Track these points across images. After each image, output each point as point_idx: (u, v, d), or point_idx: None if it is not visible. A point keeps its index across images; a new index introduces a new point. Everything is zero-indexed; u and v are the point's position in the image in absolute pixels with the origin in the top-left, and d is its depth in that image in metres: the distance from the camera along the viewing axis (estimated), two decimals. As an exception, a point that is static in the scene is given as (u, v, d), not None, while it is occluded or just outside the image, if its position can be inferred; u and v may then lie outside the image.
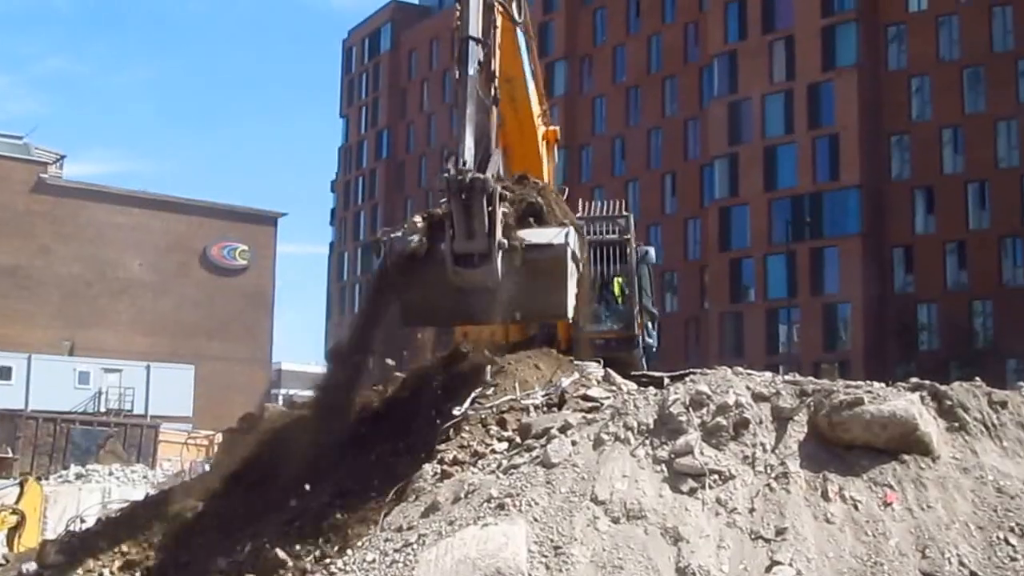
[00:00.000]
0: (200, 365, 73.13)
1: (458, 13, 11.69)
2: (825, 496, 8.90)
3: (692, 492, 9.02)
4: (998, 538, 8.56)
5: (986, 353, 61.36)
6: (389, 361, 15.16)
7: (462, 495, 9.17)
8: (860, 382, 10.21)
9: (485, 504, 8.88)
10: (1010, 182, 64.58)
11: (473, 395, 11.63)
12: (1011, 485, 9.02)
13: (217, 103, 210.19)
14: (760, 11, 71.94)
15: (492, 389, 11.86)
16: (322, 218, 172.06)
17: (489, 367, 12.42)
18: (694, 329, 74.56)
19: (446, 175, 10.51)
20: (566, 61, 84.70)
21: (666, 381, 11.40)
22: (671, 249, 74.15)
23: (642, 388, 11.30)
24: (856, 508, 8.81)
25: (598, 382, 12.48)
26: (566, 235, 11.06)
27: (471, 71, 11.26)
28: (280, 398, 65.39)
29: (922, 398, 9.74)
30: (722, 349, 67.70)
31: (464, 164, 10.61)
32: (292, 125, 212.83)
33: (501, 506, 8.81)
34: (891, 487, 8.95)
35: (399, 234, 11.04)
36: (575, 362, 13.33)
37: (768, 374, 10.55)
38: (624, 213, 17.74)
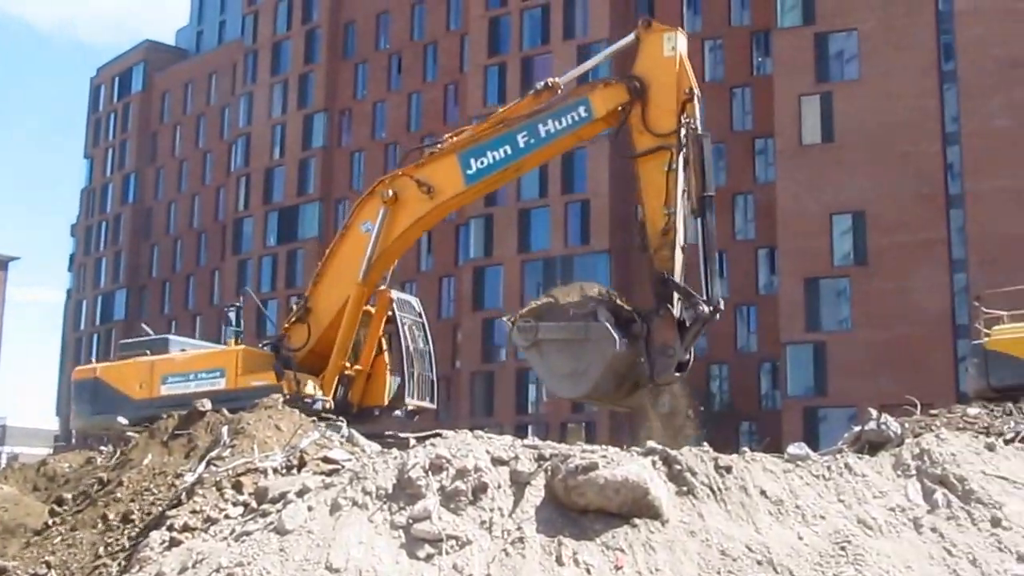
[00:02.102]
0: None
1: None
2: (559, 561, 9.00)
3: (429, 558, 8.97)
4: (721, 600, 8.86)
5: (722, 415, 64.22)
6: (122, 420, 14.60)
7: (190, 565, 8.82)
8: (597, 447, 10.42)
9: (213, 574, 8.57)
10: (746, 254, 68.12)
11: (208, 456, 11.26)
12: (734, 547, 9.37)
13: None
14: (519, 75, 73.73)
15: (229, 450, 11.52)
16: (60, 263, 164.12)
17: (226, 427, 12.07)
18: (445, 388, 74.95)
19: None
20: (326, 113, 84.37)
21: (412, 442, 11.37)
22: (425, 307, 74.45)
23: (386, 450, 11.20)
24: (588, 572, 8.95)
25: (340, 443, 12.31)
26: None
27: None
28: (4, 457, 61.57)
29: (654, 463, 10.03)
30: (473, 409, 68.29)
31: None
32: (29, 163, 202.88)
33: (231, 576, 8.53)
34: (622, 551, 9.14)
35: None
36: (316, 422, 13.13)
37: (508, 438, 10.64)
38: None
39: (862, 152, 54.61)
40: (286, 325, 17.23)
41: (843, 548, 9.67)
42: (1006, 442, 13.29)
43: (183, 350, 18.38)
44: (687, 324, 14.72)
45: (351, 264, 16.28)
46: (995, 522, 10.61)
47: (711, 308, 14.63)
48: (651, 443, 10.61)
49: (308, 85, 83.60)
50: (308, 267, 78.79)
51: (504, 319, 16.05)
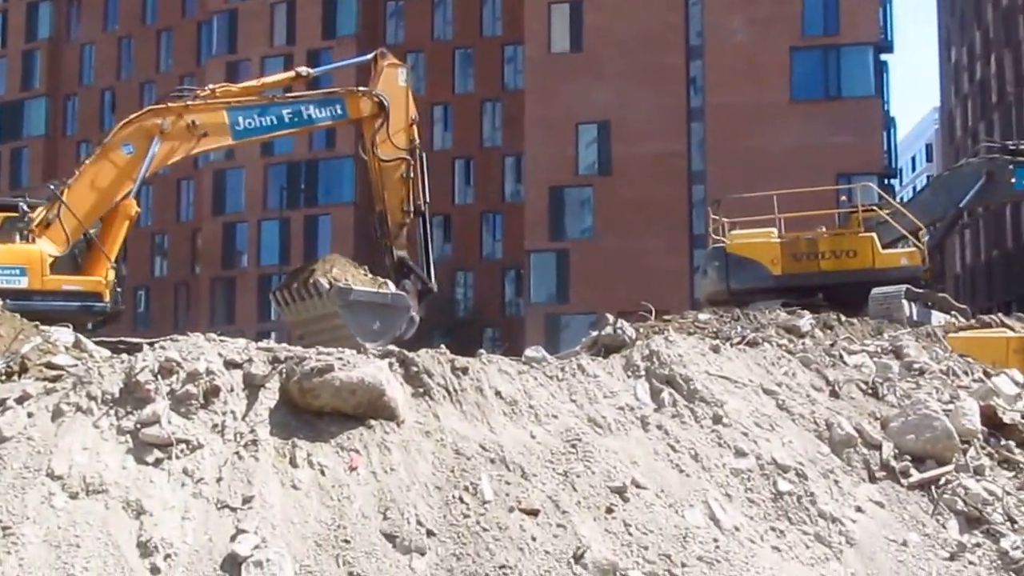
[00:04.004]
0: None
1: None
2: (293, 463, 8.90)
3: (158, 463, 8.70)
4: (454, 497, 8.97)
5: (466, 321, 65.21)
6: None
7: None
8: (333, 349, 10.33)
9: (-82, 484, 8.06)
10: (493, 161, 68.84)
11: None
12: (468, 447, 9.49)
13: None
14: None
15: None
16: None
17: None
18: (184, 295, 72.98)
19: None
20: (52, 2, 79.37)
21: (146, 348, 10.97)
22: (162, 211, 72.00)
23: (116, 356, 10.77)
24: (323, 474, 8.89)
25: (66, 348, 11.77)
26: None
27: None
28: None
29: (390, 364, 10.02)
30: (213, 316, 66.84)
31: None
32: None
33: (-63, 486, 8.03)
34: (357, 452, 9.12)
35: None
36: (41, 327, 12.48)
37: (242, 341, 10.41)
38: None
39: (609, 63, 55.70)
40: (33, 227, 17.32)
41: (574, 446, 9.96)
42: (732, 345, 13.94)
43: None
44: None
45: (110, 179, 17.48)
46: (716, 419, 11.15)
47: (431, 286, 19.59)
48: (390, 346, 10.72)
49: (31, -28, 78.63)
50: (34, 168, 74.61)
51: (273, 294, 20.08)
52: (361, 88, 19.42)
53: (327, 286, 17.81)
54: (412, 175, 19.36)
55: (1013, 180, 27.64)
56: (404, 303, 18.46)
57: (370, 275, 18.76)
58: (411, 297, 19.13)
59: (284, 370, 9.55)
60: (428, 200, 19.79)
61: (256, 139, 19.60)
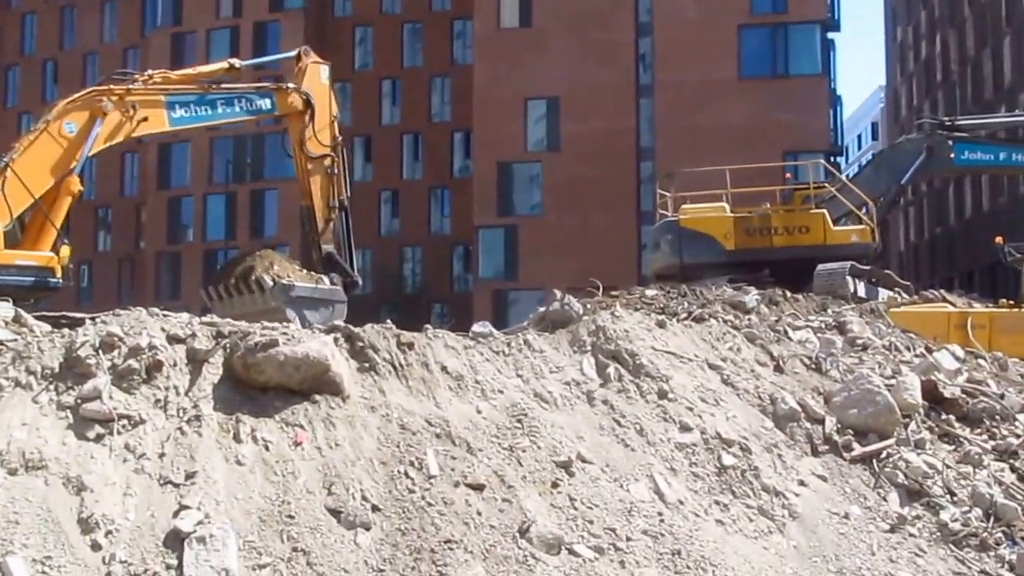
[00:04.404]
0: None
1: None
2: (237, 438, 8.84)
3: (99, 439, 8.60)
4: (399, 472, 8.95)
5: (414, 297, 65.09)
6: None
7: None
8: (277, 324, 10.25)
9: None
10: (441, 136, 68.57)
11: None
12: (414, 422, 9.47)
13: None
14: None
15: None
16: None
17: None
18: (128, 269, 72.18)
19: None
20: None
21: (87, 322, 10.82)
22: (106, 185, 71.05)
23: (57, 330, 10.61)
24: (267, 449, 8.84)
25: (6, 323, 11.58)
26: None
27: None
28: None
29: (336, 340, 9.97)
30: (158, 291, 66.17)
31: None
32: None
33: None
34: (302, 427, 9.07)
35: None
36: (-20, 301, 12.32)
37: (185, 315, 10.30)
38: None
39: (559, 39, 55.57)
40: None
41: (520, 421, 9.97)
42: (678, 321, 14.00)
43: None
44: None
45: (52, 157, 17.62)
46: (662, 394, 11.20)
47: (356, 279, 20.24)
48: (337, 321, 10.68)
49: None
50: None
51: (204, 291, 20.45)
52: (290, 84, 20.12)
53: (271, 283, 18.51)
54: (336, 171, 20.31)
55: (952, 155, 28.06)
56: (340, 296, 19.26)
57: (304, 270, 19.63)
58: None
59: (228, 345, 9.46)
60: (350, 195, 20.71)
61: (191, 126, 20.27)
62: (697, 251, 26.53)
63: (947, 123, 29.20)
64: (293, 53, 20.96)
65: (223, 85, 19.97)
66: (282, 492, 8.52)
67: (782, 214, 27.14)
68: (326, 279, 19.58)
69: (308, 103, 19.92)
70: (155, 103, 18.74)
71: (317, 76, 20.37)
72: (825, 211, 26.75)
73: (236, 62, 20.72)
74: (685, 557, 9.03)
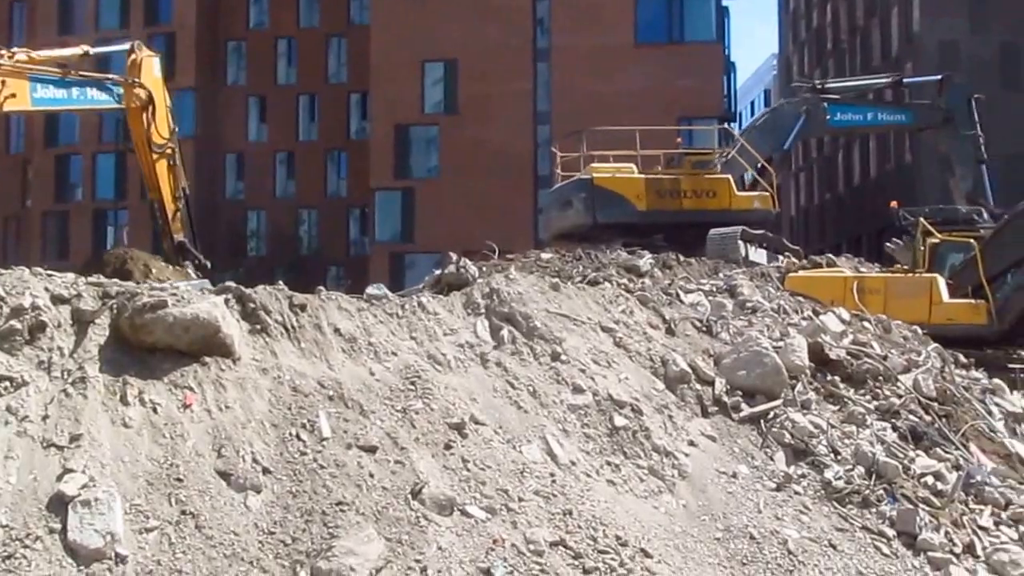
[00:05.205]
0: None
1: None
2: (124, 400, 8.66)
3: (-19, 402, 8.37)
4: (291, 434, 8.88)
5: (310, 259, 64.52)
6: None
7: None
8: (166, 284, 10.07)
9: None
10: (338, 97, 67.80)
11: None
12: (306, 384, 9.39)
13: None
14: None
15: None
16: None
17: None
18: (15, 229, 70.26)
19: None
20: None
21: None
22: (-10, 141, 69.04)
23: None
24: (155, 411, 8.68)
25: None
26: None
27: None
28: None
29: (227, 301, 9.82)
30: (45, 251, 64.57)
31: None
32: None
33: None
34: (191, 389, 8.93)
35: None
36: None
37: (71, 275, 10.05)
38: None
39: (456, 1, 55.28)
40: None
41: (413, 383, 9.95)
42: (572, 284, 14.08)
43: None
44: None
45: None
46: (555, 356, 11.27)
47: (207, 264, 21.23)
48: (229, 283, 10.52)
49: None
50: None
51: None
52: (135, 79, 20.78)
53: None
54: (175, 161, 21.39)
55: (827, 117, 28.97)
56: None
57: (169, 267, 20.31)
58: None
59: (115, 306, 9.26)
60: (187, 184, 21.84)
61: (50, 109, 22.40)
62: (611, 211, 26.78)
63: (818, 86, 30.10)
64: (127, 46, 21.59)
65: (80, 73, 20.37)
66: (170, 455, 8.39)
67: (691, 178, 27.52)
68: (191, 270, 20.30)
69: (150, 98, 20.76)
70: (21, 81, 18.93)
71: (151, 69, 21.15)
72: (730, 177, 27.21)
73: (89, 49, 21.34)
74: (576, 517, 9.12)
